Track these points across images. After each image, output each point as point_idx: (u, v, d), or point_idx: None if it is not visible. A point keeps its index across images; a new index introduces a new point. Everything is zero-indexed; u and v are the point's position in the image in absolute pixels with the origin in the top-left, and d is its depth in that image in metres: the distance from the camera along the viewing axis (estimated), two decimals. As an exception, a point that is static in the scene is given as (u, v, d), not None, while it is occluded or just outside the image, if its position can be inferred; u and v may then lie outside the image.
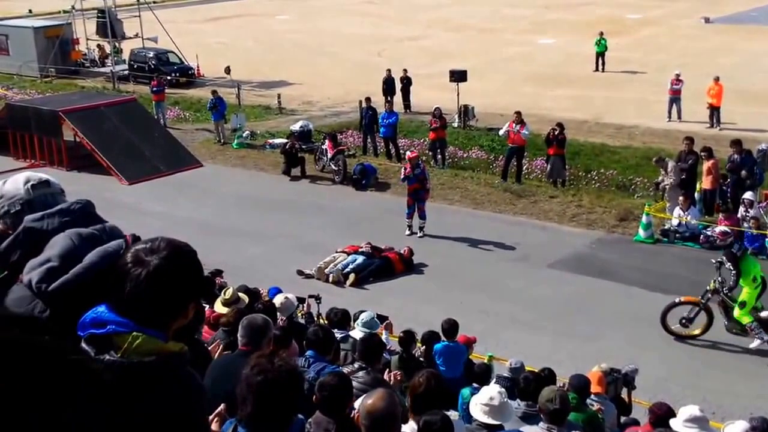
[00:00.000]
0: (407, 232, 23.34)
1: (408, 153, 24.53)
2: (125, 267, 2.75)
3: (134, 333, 2.60)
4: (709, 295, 16.70)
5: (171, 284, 2.74)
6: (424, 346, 13.16)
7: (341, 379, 6.66)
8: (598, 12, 63.46)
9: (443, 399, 7.75)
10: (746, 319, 16.25)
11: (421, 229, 23.30)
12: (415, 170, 23.02)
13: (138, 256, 2.76)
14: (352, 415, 6.15)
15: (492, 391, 8.51)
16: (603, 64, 44.61)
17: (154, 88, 37.62)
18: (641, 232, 22.77)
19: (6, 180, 3.70)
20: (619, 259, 21.73)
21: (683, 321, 17.03)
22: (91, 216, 3.45)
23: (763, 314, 16.21)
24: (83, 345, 2.64)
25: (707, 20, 58.88)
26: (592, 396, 10.90)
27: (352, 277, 20.52)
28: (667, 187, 24.03)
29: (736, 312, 16.34)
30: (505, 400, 8.56)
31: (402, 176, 23.54)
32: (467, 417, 8.95)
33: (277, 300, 12.54)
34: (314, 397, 6.45)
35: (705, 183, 23.96)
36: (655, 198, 25.25)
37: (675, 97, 34.37)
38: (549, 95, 38.94)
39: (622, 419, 11.94)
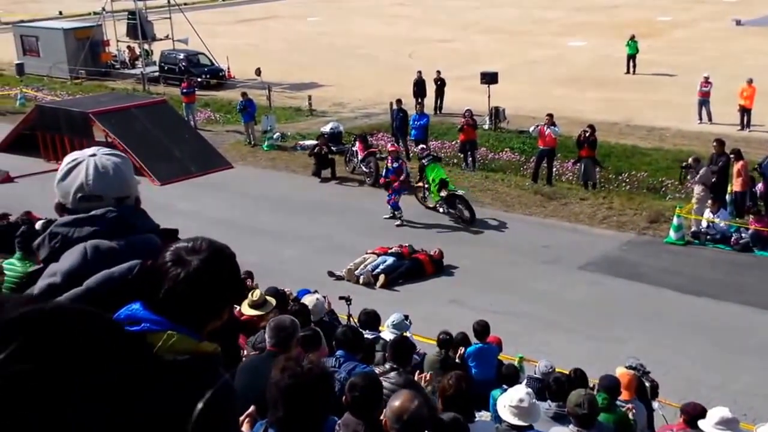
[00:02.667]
0: (396, 223, 24.36)
1: (389, 146, 26.84)
2: (164, 265, 2.68)
3: (169, 331, 2.54)
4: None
5: (209, 286, 2.68)
6: (461, 348, 13.15)
7: (371, 380, 6.66)
8: (629, 14, 63.18)
9: (473, 400, 7.75)
10: (436, 197, 24.73)
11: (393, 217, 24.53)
12: (394, 163, 24.40)
13: (179, 255, 2.69)
14: (380, 419, 6.14)
15: (520, 393, 8.51)
16: (634, 66, 44.41)
17: (185, 90, 37.71)
18: (672, 234, 22.64)
19: (76, 162, 3.41)
20: (649, 261, 21.63)
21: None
22: (126, 225, 3.28)
23: (443, 194, 24.38)
24: None
25: (738, 22, 58.45)
26: (622, 400, 10.85)
27: (382, 278, 20.51)
28: (694, 187, 23.89)
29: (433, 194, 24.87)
30: (534, 401, 8.55)
31: (384, 171, 25.30)
32: (498, 418, 8.95)
33: (309, 301, 12.53)
34: (344, 398, 6.46)
35: (735, 185, 23.82)
36: (680, 180, 25.22)
37: (704, 100, 34.16)
38: (580, 97, 38.79)
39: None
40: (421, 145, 27.85)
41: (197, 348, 2.59)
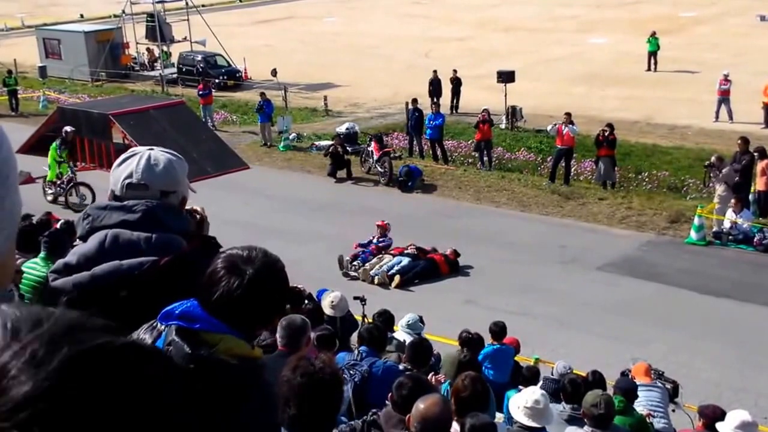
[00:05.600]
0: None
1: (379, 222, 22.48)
2: (218, 273, 2.71)
3: (227, 335, 2.62)
4: None
5: (262, 297, 2.73)
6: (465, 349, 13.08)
7: (418, 381, 7.01)
8: (650, 10, 62.71)
9: (488, 402, 7.67)
10: (51, 174, 27.34)
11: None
12: (381, 238, 21.97)
13: (234, 263, 2.73)
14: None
15: (534, 394, 8.41)
16: (655, 63, 44.07)
17: (201, 92, 37.84)
18: (693, 234, 22.39)
19: (133, 153, 3.49)
20: (669, 261, 21.41)
21: None
22: (154, 220, 3.31)
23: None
24: (174, 336, 2.64)
25: (762, 18, 57.91)
26: (640, 384, 10.84)
27: (397, 278, 20.42)
28: (717, 186, 23.64)
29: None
30: (547, 402, 8.44)
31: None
32: (510, 419, 8.85)
33: (334, 296, 12.45)
34: (390, 395, 6.83)
35: (759, 184, 23.54)
36: (704, 181, 24.98)
37: (723, 98, 33.75)
38: (599, 95, 38.59)
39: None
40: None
41: (250, 353, 2.69)
